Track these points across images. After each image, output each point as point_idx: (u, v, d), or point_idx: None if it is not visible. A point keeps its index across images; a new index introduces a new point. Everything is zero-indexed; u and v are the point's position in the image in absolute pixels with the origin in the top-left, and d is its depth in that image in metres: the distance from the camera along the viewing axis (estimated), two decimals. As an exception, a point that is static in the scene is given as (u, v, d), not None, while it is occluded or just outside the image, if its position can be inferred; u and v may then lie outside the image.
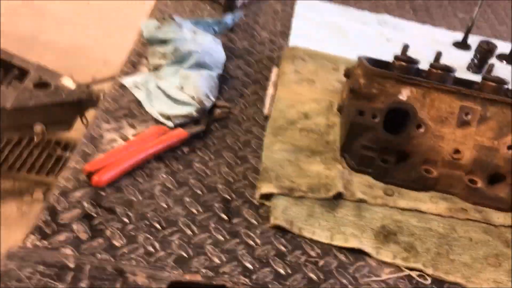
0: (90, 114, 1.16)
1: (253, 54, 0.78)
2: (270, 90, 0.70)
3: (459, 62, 0.87)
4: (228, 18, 0.76)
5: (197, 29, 0.69)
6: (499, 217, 0.57)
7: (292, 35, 0.85)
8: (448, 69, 0.60)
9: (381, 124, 0.57)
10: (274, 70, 0.75)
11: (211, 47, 0.67)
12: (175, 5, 0.86)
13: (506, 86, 0.60)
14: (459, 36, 0.95)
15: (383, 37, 0.92)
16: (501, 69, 0.87)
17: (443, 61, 0.62)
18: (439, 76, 0.59)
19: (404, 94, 0.58)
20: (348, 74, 0.66)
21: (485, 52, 0.86)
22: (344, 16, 0.95)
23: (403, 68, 0.60)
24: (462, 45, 0.94)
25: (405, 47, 0.62)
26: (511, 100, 0.58)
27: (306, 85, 0.72)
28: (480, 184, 0.58)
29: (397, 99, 0.58)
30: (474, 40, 0.92)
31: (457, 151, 0.58)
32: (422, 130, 0.58)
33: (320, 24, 0.91)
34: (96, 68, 1.47)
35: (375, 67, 0.59)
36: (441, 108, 0.58)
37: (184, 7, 0.86)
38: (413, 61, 0.61)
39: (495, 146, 0.58)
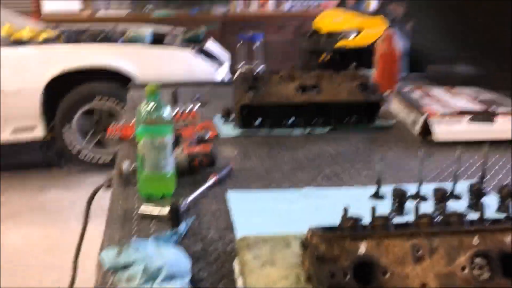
0: None
1: (210, 254, 0.83)
2: (239, 282, 0.75)
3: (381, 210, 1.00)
4: (183, 226, 0.83)
5: (158, 244, 0.73)
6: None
7: (237, 227, 0.93)
8: (387, 218, 0.70)
9: (353, 280, 0.64)
10: (236, 262, 0.80)
11: (177, 258, 0.71)
12: (121, 232, 0.91)
13: (438, 217, 0.70)
14: (370, 190, 1.10)
15: (312, 207, 1.03)
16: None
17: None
18: (383, 225, 0.69)
19: (363, 248, 0.66)
20: (305, 245, 0.73)
21: (400, 196, 0.99)
22: (273, 198, 1.06)
23: (353, 227, 0.69)
24: (377, 196, 1.08)
25: (346, 209, 0.72)
26: (442, 228, 0.68)
27: (269, 267, 0.77)
28: (453, 310, 0.65)
29: (358, 254, 0.66)
30: (385, 190, 1.06)
31: (423, 285, 0.65)
32: (388, 275, 0.65)
33: (255, 211, 1.00)
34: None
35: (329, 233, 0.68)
36: (395, 251, 0.67)
37: (131, 228, 0.91)
38: (358, 219, 0.70)
39: (451, 271, 0.66)
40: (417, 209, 0.75)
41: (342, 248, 0.66)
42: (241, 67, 5.46)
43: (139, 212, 0.97)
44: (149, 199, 1.04)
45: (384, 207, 1.02)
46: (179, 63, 3.59)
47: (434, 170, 1.24)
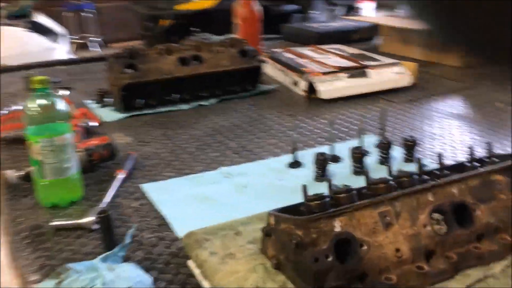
0: None
1: (156, 260, 0.75)
2: (205, 284, 0.68)
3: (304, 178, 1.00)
4: (128, 236, 0.72)
5: (109, 264, 0.63)
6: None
7: (172, 222, 0.85)
8: (350, 190, 0.69)
9: (336, 260, 0.62)
10: (190, 263, 0.73)
11: (138, 277, 0.62)
12: (38, 255, 0.77)
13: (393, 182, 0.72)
14: (284, 159, 1.09)
15: (238, 186, 0.99)
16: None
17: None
18: (348, 199, 0.68)
19: (338, 225, 0.65)
20: (268, 232, 0.70)
21: (322, 161, 1.00)
22: (194, 184, 0.99)
23: (321, 205, 0.66)
24: (295, 165, 1.07)
25: (304, 187, 0.69)
26: (402, 191, 0.70)
27: (230, 262, 0.72)
28: (425, 267, 0.67)
29: (335, 233, 0.64)
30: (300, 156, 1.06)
31: (397, 250, 0.66)
32: (365, 247, 0.65)
33: (182, 201, 0.93)
34: None
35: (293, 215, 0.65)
36: (366, 222, 0.66)
37: (50, 248, 0.78)
38: (323, 197, 0.68)
39: (416, 231, 0.68)
40: (367, 175, 0.75)
41: (319, 230, 0.63)
42: (77, 40, 5.04)
43: (51, 224, 0.83)
44: (55, 208, 0.90)
45: (305, 174, 1.02)
46: (11, 41, 3.16)
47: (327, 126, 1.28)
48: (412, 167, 1.01)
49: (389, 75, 1.57)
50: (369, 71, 1.56)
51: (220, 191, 0.97)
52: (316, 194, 0.68)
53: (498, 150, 0.87)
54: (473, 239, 0.71)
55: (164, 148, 1.18)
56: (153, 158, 1.12)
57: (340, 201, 0.68)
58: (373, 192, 0.71)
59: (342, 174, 1.02)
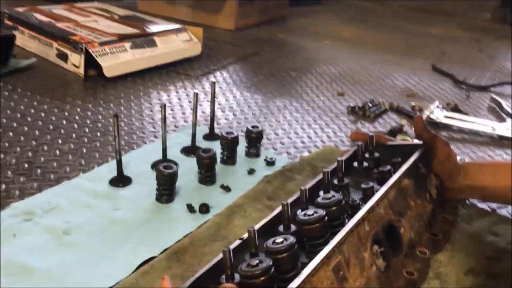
0: None
1: None
2: None
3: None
4: None
5: None
6: None
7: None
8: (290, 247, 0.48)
9: None
10: None
11: None
12: None
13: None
14: (102, 173, 0.80)
15: (57, 233, 0.66)
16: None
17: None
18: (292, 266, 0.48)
19: (302, 308, 0.44)
20: None
21: (167, 176, 0.75)
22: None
23: (269, 278, 0.44)
24: (122, 180, 0.79)
25: (256, 262, 0.46)
26: (346, 231, 0.53)
27: None
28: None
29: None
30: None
31: None
32: None
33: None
34: None
35: None
36: (325, 285, 0.47)
37: None
38: (269, 267, 0.45)
39: (367, 277, 0.53)
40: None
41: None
42: None
43: None
44: None
45: (140, 194, 0.76)
46: None
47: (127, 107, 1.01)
48: (258, 162, 0.86)
49: (179, 43, 1.34)
50: (155, 39, 1.31)
51: (31, 250, 0.63)
52: (252, 267, 0.46)
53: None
54: (403, 261, 0.61)
55: None
56: None
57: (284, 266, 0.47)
58: (309, 235, 0.53)
59: (189, 186, 0.79)
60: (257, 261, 0.46)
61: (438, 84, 1.38)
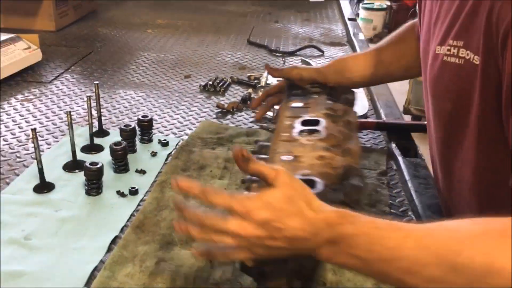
0: None
1: None
2: None
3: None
4: None
5: None
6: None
7: None
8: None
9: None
10: None
11: None
12: None
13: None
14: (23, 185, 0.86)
15: None
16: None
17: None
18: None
19: None
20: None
21: (94, 172, 0.85)
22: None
23: None
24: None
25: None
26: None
27: None
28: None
29: None
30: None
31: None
32: None
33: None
34: None
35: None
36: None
37: None
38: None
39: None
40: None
41: None
42: None
43: None
44: None
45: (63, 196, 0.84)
46: None
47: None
48: (154, 145, 1.01)
49: (19, 53, 1.35)
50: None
51: (8, 262, 0.69)
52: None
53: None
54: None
55: None
56: None
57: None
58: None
59: (107, 177, 0.90)
60: None
61: (258, 55, 1.64)
